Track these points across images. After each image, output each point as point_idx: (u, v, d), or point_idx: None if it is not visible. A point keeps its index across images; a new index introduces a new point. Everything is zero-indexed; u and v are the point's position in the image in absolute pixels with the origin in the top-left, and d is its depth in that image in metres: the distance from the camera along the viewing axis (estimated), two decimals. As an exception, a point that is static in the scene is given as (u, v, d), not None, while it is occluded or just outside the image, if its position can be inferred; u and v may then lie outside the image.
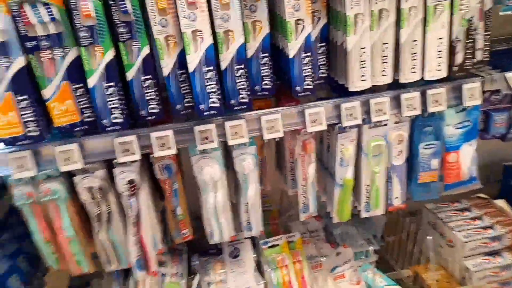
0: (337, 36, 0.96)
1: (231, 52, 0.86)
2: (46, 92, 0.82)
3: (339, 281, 1.38)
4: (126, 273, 1.27)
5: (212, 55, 0.83)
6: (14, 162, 0.86)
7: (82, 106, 0.86)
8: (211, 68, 0.84)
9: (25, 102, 0.81)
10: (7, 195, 1.06)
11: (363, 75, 0.96)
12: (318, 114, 0.97)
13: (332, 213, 1.21)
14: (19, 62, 0.78)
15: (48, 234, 1.00)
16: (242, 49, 0.86)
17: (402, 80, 0.99)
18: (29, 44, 0.77)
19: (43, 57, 0.79)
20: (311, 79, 0.94)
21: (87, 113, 0.87)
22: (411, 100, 1.00)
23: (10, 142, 0.84)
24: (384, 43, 0.96)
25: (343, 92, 0.99)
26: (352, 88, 0.97)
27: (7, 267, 1.14)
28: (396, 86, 1.01)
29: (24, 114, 0.81)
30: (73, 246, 1.01)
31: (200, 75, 0.84)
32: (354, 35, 0.91)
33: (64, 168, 0.88)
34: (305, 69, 0.92)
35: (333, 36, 0.98)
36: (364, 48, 0.93)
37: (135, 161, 0.93)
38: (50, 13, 0.76)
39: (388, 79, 0.99)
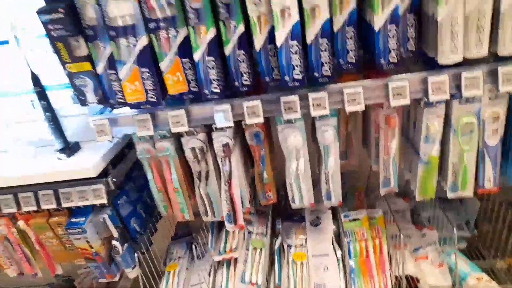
0: (428, 7, 0.95)
1: (317, 27, 0.93)
2: (163, 66, 1.00)
3: (421, 262, 1.36)
4: (220, 226, 1.46)
5: (298, 31, 0.91)
6: (138, 123, 1.08)
7: (189, 78, 1.03)
8: (296, 42, 0.92)
9: (147, 74, 1.00)
10: (132, 154, 1.33)
11: (454, 48, 0.93)
12: (402, 88, 0.98)
13: (415, 191, 1.21)
14: (143, 40, 0.97)
15: (160, 184, 1.23)
16: (327, 24, 0.92)
17: (502, 52, 0.93)
18: (151, 25, 0.96)
19: (161, 36, 0.97)
20: (396, 52, 0.95)
21: (193, 84, 1.04)
22: (510, 74, 0.93)
23: (135, 106, 1.05)
24: (481, 13, 0.91)
25: (434, 66, 0.98)
26: (442, 61, 0.95)
27: (129, 211, 1.42)
28: (493, 60, 0.95)
29: (146, 83, 1.01)
30: (179, 195, 1.22)
31: (286, 49, 0.93)
32: (445, 5, 0.89)
33: (174, 130, 1.07)
34: (391, 42, 0.94)
35: (424, 7, 0.97)
36: (456, 18, 0.91)
37: (229, 127, 1.08)
38: (167, -1, 0.94)
39: (483, 52, 0.94)
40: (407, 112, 1.19)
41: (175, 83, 1.03)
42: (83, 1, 0.95)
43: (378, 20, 0.92)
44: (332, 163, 1.14)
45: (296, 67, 0.94)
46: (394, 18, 0.91)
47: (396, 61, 0.96)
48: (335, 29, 0.96)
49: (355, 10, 0.95)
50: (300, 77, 0.95)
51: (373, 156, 1.27)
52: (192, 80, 1.03)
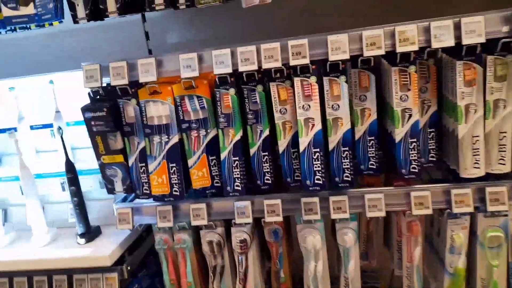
0: (448, 123, 1.01)
1: (338, 136, 1.00)
2: (190, 162, 1.08)
3: None
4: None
5: (320, 139, 0.99)
6: (159, 214, 1.12)
7: (213, 174, 1.09)
8: (318, 149, 0.99)
9: (174, 168, 1.08)
10: (148, 240, 1.36)
11: (476, 163, 0.97)
12: (424, 198, 1.01)
13: (443, 304, 1.15)
14: (175, 138, 1.06)
15: (174, 277, 1.22)
16: (349, 133, 1.00)
17: (525, 169, 0.97)
18: (184, 126, 1.06)
19: (192, 135, 1.06)
20: (417, 163, 1.00)
21: (216, 179, 1.10)
22: (535, 191, 0.95)
23: (159, 198, 1.11)
24: (502, 132, 0.96)
25: (456, 176, 1.01)
26: (463, 175, 0.99)
27: (140, 298, 1.39)
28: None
29: (172, 178, 1.09)
30: (191, 290, 1.21)
31: (308, 155, 0.99)
32: (465, 123, 0.96)
33: (194, 223, 1.11)
34: (412, 154, 0.99)
35: (445, 122, 1.03)
36: (477, 136, 0.96)
37: (248, 223, 1.11)
38: (201, 103, 1.05)
39: (506, 169, 0.97)
40: (431, 218, 1.19)
41: (200, 178, 1.10)
42: (126, 102, 1.07)
43: (399, 133, 0.98)
44: (352, 267, 1.13)
45: (317, 173, 1.00)
46: (414, 132, 0.98)
47: (417, 171, 1.00)
48: (357, 137, 1.03)
49: (376, 121, 1.03)
50: (321, 182, 1.00)
51: (396, 260, 1.25)
52: (216, 176, 1.10)
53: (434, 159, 1.06)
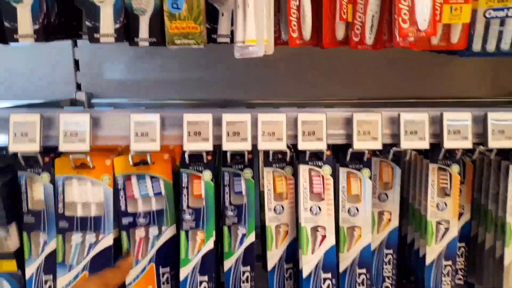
0: (486, 239, 0.79)
1: (354, 252, 0.71)
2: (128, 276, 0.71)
3: None
4: None
5: (333, 259, 0.69)
6: None
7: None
8: (329, 275, 0.69)
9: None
10: None
11: (521, 294, 0.75)
12: None
13: None
14: (108, 239, 0.69)
15: None
16: (368, 250, 0.72)
17: None
18: (125, 220, 0.69)
19: (137, 235, 0.70)
20: (449, 291, 0.75)
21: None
22: None
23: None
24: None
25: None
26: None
27: None
28: None
29: None
30: None
31: (315, 283, 0.69)
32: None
33: None
34: (444, 281, 0.74)
35: (479, 236, 0.81)
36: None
37: None
38: (157, 188, 0.70)
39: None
40: None
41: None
42: (32, 177, 0.68)
43: (431, 252, 0.73)
44: None
45: (327, 310, 0.69)
46: (450, 253, 0.74)
47: (448, 302, 0.75)
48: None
49: (397, 230, 0.77)
50: (330, 323, 0.69)
51: None
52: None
53: (461, 282, 0.83)
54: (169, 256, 0.71)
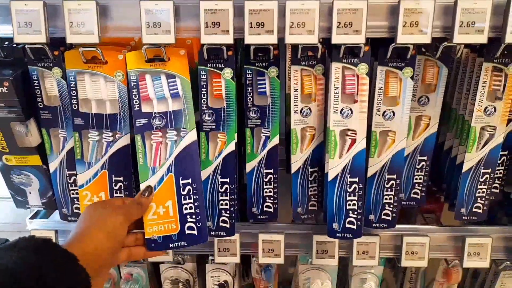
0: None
1: (385, 157, 0.69)
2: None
3: None
4: None
5: (362, 164, 0.67)
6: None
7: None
8: (356, 179, 0.68)
9: (120, 184, 0.72)
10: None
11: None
12: (482, 247, 0.76)
13: None
14: (125, 138, 0.69)
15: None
16: (401, 155, 0.69)
17: None
18: (140, 122, 0.68)
19: (153, 139, 0.69)
20: (483, 201, 0.73)
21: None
22: None
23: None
24: None
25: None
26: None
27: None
28: None
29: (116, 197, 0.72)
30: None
31: (340, 186, 0.68)
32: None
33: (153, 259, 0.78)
34: (480, 189, 0.72)
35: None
36: None
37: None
38: (173, 87, 0.66)
39: None
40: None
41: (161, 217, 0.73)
42: (44, 71, 0.66)
43: (470, 159, 0.70)
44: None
45: (351, 213, 0.69)
46: (490, 160, 0.70)
47: (481, 211, 0.74)
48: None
49: (435, 136, 0.73)
50: (354, 226, 0.70)
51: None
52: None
53: (497, 190, 0.80)
54: (188, 164, 0.67)
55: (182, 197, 0.67)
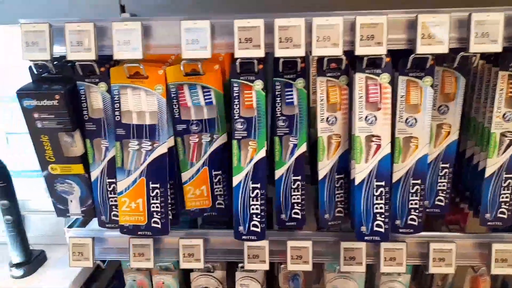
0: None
1: (410, 163, 0.73)
2: (185, 176, 0.78)
3: None
4: None
5: (388, 168, 0.71)
6: (134, 249, 0.82)
7: (216, 193, 0.80)
8: (383, 183, 0.71)
9: (157, 191, 0.76)
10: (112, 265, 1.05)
11: None
12: (510, 253, 0.77)
13: None
14: (163, 147, 0.74)
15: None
16: (424, 161, 0.72)
17: None
18: (180, 127, 0.74)
19: (191, 140, 0.77)
20: (507, 206, 0.76)
21: (219, 200, 0.81)
22: None
23: (130, 231, 0.79)
24: None
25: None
26: None
27: None
28: None
29: (153, 204, 0.77)
30: None
31: (367, 191, 0.72)
32: None
33: (185, 265, 0.82)
34: (503, 194, 0.74)
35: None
36: None
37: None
38: (208, 97, 0.74)
39: None
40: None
41: (197, 197, 0.80)
42: (91, 86, 0.73)
43: (492, 165, 0.73)
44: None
45: (378, 216, 0.72)
46: (511, 164, 0.73)
47: (506, 216, 0.76)
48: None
49: (456, 143, 0.76)
50: (382, 229, 0.73)
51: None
52: (219, 195, 0.81)
53: (522, 198, 0.82)
54: (221, 161, 0.77)
55: (214, 184, 0.79)
